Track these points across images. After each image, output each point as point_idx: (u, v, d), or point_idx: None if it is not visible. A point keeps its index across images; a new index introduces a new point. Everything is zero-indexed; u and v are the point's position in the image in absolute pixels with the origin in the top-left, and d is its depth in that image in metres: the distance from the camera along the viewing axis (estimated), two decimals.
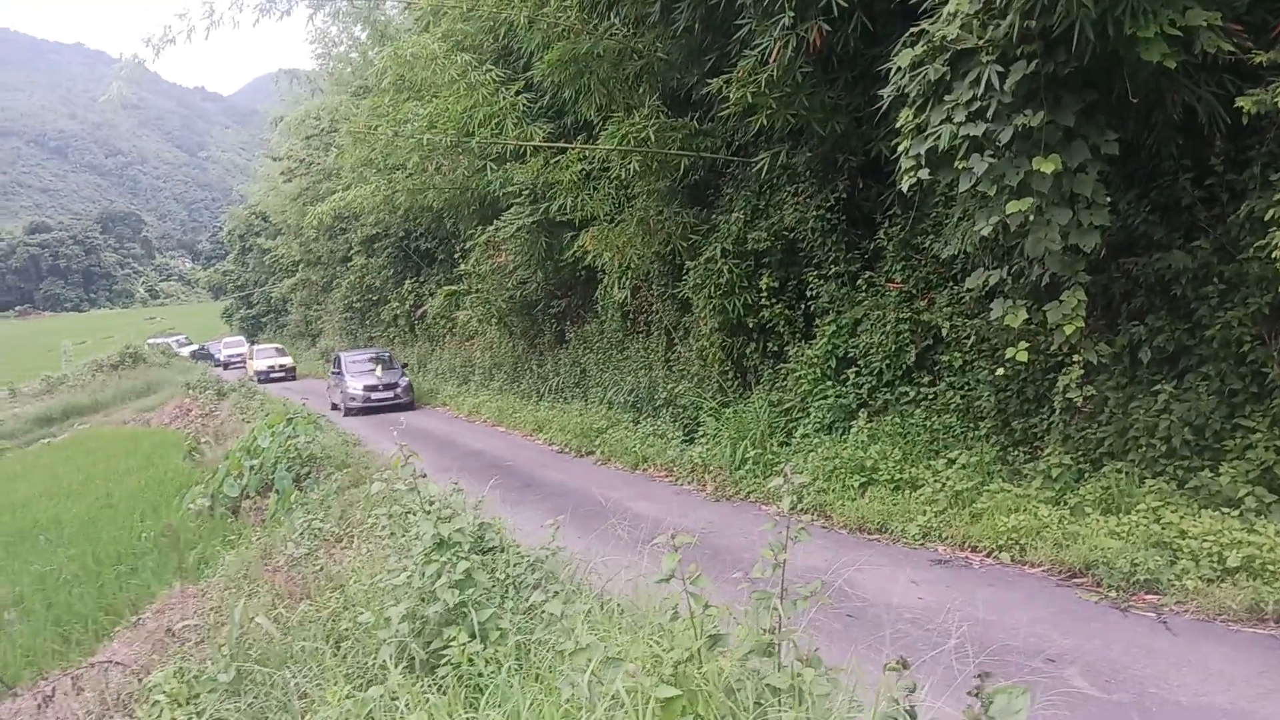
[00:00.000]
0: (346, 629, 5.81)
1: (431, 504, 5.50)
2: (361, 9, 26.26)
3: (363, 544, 8.32)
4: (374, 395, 23.77)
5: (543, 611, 4.61)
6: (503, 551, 5.77)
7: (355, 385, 23.81)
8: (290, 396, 27.15)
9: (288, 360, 39.11)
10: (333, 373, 26.49)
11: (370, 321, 36.47)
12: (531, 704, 3.78)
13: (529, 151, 14.11)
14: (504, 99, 13.85)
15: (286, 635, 5.99)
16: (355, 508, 10.48)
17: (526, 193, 16.72)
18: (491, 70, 14.25)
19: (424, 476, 6.19)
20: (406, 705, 4.05)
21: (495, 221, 19.19)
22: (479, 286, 22.10)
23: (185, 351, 60.42)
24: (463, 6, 13.36)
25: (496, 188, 16.16)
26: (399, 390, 24.36)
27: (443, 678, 4.39)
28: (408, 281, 32.12)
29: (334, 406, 25.12)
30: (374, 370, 24.38)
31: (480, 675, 4.29)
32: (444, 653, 4.51)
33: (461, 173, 16.58)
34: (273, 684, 5.18)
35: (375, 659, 4.94)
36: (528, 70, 14.06)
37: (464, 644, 4.43)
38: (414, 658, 4.69)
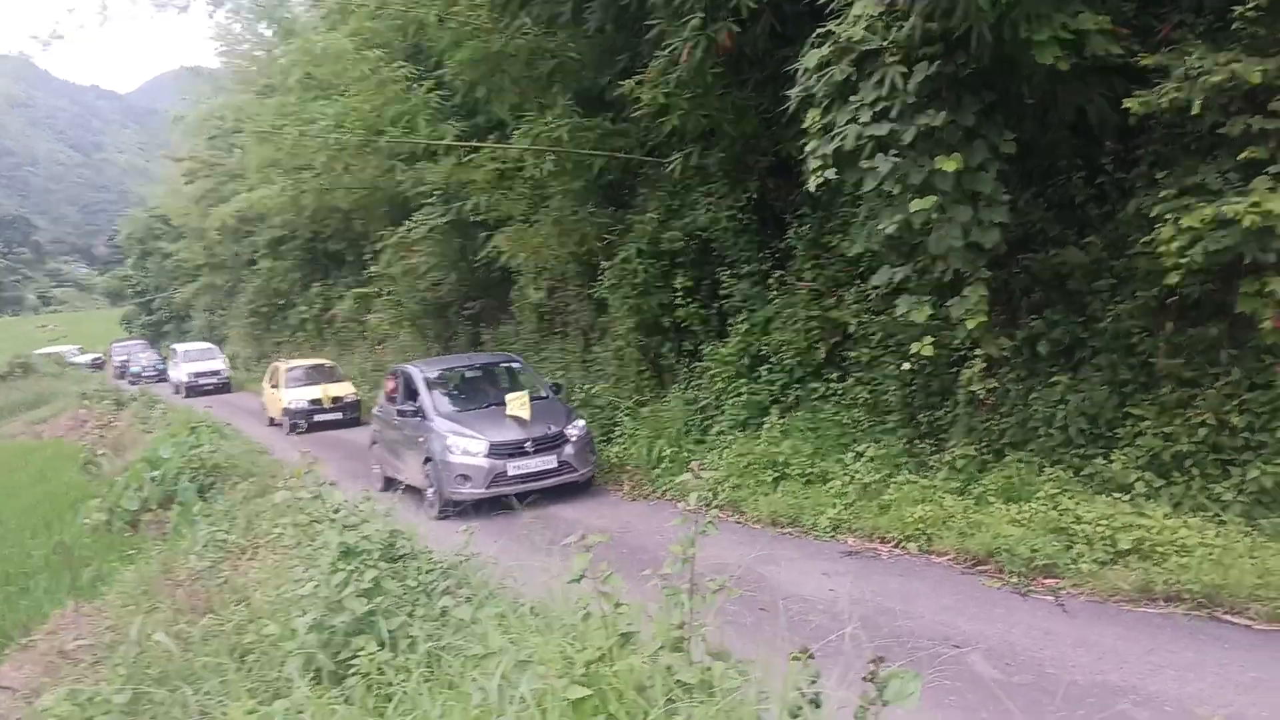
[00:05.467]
0: (252, 642, 5.61)
1: (336, 512, 5.36)
2: (265, 6, 25.43)
3: (269, 555, 8.07)
4: (514, 466, 10.72)
5: (453, 617, 4.54)
6: (414, 559, 5.65)
7: (471, 447, 10.78)
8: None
9: (345, 389, 21.63)
10: (400, 414, 12.02)
11: (277, 326, 35.47)
12: (442, 711, 3.70)
13: (441, 151, 13.90)
14: (415, 97, 13.61)
15: (188, 651, 5.76)
16: (261, 518, 10.15)
17: (439, 192, 16.50)
18: (403, 68, 14.00)
19: (332, 484, 6.03)
20: (313, 718, 3.93)
21: (407, 222, 18.90)
22: (390, 289, 21.71)
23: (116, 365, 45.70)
24: (370, 4, 13.08)
25: (408, 187, 15.90)
26: (568, 451, 11.09)
27: (351, 688, 4.28)
28: (316, 284, 31.36)
29: (389, 484, 12.41)
30: (510, 409, 11.29)
31: (390, 684, 4.19)
32: (352, 663, 4.39)
33: (371, 172, 16.25)
34: (173, 703, 4.98)
35: (281, 672, 4.79)
36: (439, 69, 13.86)
37: (373, 653, 4.33)
38: (321, 669, 4.56)
